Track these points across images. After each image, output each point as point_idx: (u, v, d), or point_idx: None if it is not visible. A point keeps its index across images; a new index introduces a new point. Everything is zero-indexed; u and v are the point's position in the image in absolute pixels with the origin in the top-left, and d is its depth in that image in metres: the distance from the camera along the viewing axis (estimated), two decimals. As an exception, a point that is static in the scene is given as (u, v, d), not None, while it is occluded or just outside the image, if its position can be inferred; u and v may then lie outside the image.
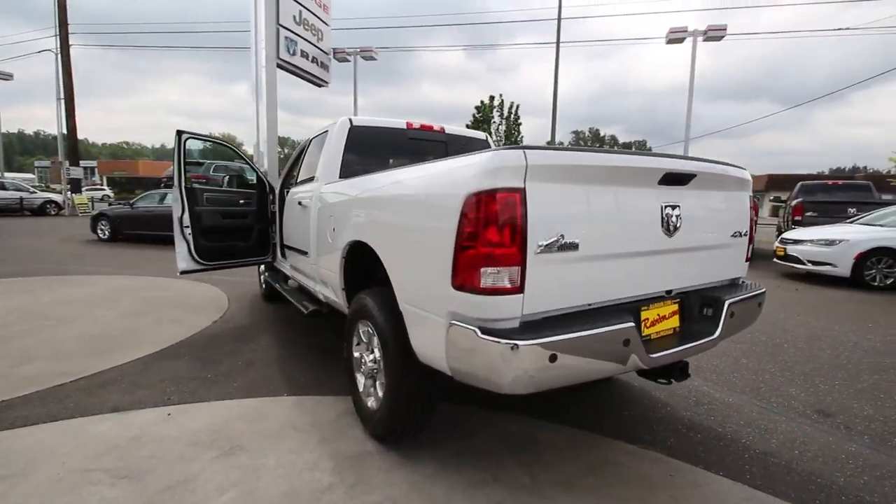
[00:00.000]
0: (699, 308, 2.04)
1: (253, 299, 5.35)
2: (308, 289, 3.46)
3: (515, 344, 1.36)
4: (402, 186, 1.86)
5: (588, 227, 1.59)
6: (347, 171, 3.14)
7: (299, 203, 3.32)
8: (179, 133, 3.82)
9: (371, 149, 3.32)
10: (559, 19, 15.30)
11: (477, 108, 29.15)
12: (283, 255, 4.56)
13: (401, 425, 2.06)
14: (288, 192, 4.78)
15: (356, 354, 2.43)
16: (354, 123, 3.23)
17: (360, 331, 2.35)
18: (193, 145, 4.14)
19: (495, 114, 29.25)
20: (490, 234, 1.41)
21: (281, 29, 12.97)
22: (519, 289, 1.44)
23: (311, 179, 3.44)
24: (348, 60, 16.54)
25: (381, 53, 17.57)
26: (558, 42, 15.32)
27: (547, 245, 1.47)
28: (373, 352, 2.24)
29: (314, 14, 14.47)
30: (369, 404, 2.28)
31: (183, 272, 4.00)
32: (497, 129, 29.09)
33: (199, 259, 4.04)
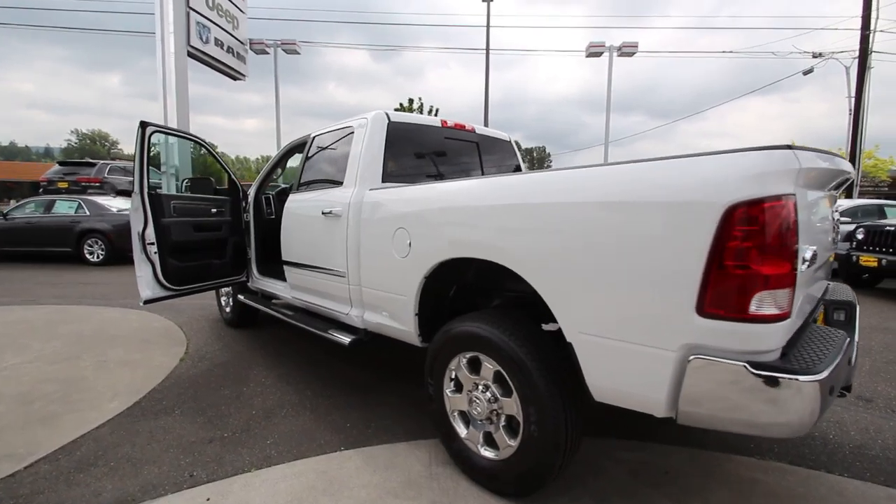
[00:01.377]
0: (832, 313, 2.00)
1: (212, 326, 4.49)
2: (328, 314, 2.91)
3: (815, 379, 1.14)
4: (587, 193, 1.49)
5: (810, 237, 1.43)
6: (387, 175, 2.70)
7: (323, 213, 2.77)
8: (143, 125, 3.01)
9: (408, 149, 2.89)
10: (488, 27, 15.58)
11: (396, 110, 28.74)
12: (262, 272, 3.88)
13: (542, 477, 1.72)
14: (275, 198, 4.12)
15: (452, 395, 2.03)
16: (392, 119, 2.78)
17: (462, 365, 1.96)
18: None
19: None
20: (763, 251, 1.17)
21: (192, 13, 11.50)
22: (787, 313, 1.22)
23: (331, 184, 2.92)
24: (267, 53, 15.12)
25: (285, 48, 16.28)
26: (487, 49, 15.59)
27: (808, 260, 1.27)
28: (488, 391, 1.87)
29: (228, -1, 13.06)
30: (484, 453, 1.90)
31: (148, 301, 3.16)
32: (417, 132, 28.95)
33: (167, 284, 3.22)
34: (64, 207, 9.05)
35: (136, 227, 3.10)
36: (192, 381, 3.13)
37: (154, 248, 3.13)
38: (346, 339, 2.64)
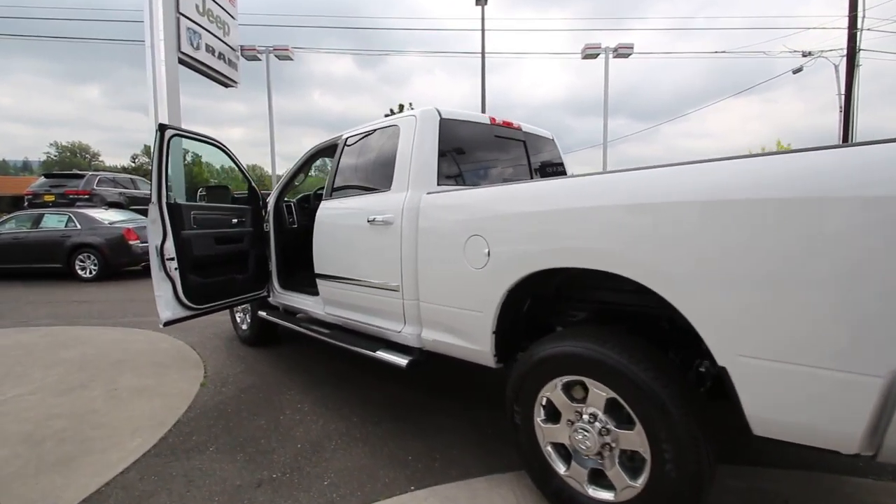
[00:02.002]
0: None
1: (228, 345, 4.16)
2: (374, 332, 2.63)
3: None
4: (759, 189, 1.22)
5: None
6: (441, 177, 2.44)
7: (368, 221, 2.50)
8: (162, 128, 2.71)
9: (459, 148, 2.64)
10: (483, 30, 15.46)
11: (386, 115, 28.59)
12: (285, 286, 3.59)
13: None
14: (297, 206, 3.84)
15: (544, 424, 1.77)
16: (443, 115, 2.53)
17: (559, 391, 1.71)
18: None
19: (406, 123, 28.93)
20: None
21: (182, 18, 11.15)
22: None
23: (373, 189, 2.65)
24: (259, 59, 14.77)
25: (277, 54, 15.90)
26: (483, 52, 15.47)
27: None
28: (596, 421, 1.62)
29: (219, 5, 12.73)
30: (594, 495, 1.64)
31: (168, 323, 2.84)
32: (409, 137, 28.77)
33: (189, 303, 2.91)
34: (53, 221, 8.59)
35: (153, 241, 2.79)
36: (220, 410, 2.82)
37: (174, 264, 2.82)
38: (401, 360, 2.37)
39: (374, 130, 2.79)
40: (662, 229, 1.40)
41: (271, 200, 3.72)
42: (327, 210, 2.95)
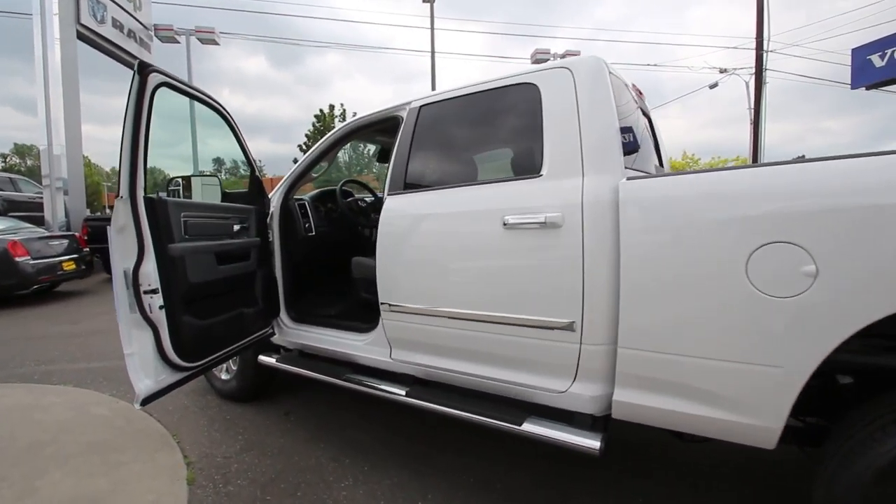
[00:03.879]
0: None
1: (199, 403, 2.94)
2: (504, 390, 1.75)
3: None
4: None
5: None
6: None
7: (506, 224, 1.62)
8: (144, 70, 1.60)
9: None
10: (432, 28, 14.82)
11: (317, 116, 26.91)
12: (298, 318, 2.56)
13: None
14: (312, 205, 2.78)
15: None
16: (610, 69, 1.74)
17: None
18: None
19: (338, 123, 27.42)
20: None
21: (81, -16, 9.03)
22: None
23: (491, 178, 1.78)
24: (177, 42, 12.63)
25: (200, 37, 13.77)
26: (433, 52, 14.83)
27: None
28: None
29: (128, -28, 10.67)
30: None
31: (148, 399, 1.70)
32: (341, 140, 27.22)
33: (180, 361, 1.79)
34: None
35: (121, 263, 1.66)
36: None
37: (157, 300, 1.70)
38: (590, 442, 1.51)
39: (485, 92, 1.91)
40: None
41: (275, 200, 2.63)
42: (402, 211, 2.00)
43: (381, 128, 2.36)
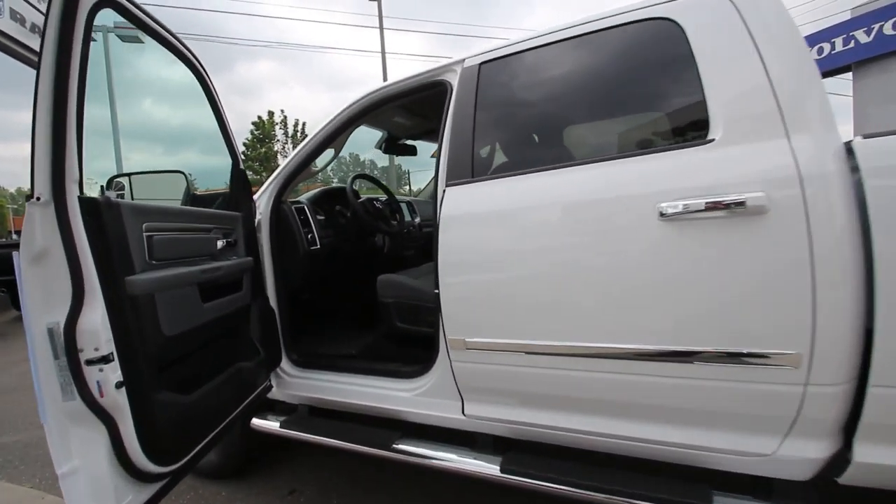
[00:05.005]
0: None
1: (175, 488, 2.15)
2: (657, 454, 1.21)
3: None
4: None
5: None
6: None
7: (664, 214, 1.09)
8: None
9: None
10: (381, 28, 14.22)
11: (255, 123, 25.39)
12: (304, 362, 1.92)
13: None
14: (312, 209, 2.12)
15: None
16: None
17: None
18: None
19: (278, 131, 26.03)
20: None
21: (-34, -35, 7.53)
22: None
23: (634, 148, 1.25)
24: (92, 39, 11.01)
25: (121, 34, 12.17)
26: (383, 51, 14.21)
27: None
28: None
29: (26, -45, 9.14)
30: None
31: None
32: (283, 148, 25.87)
33: (156, 467, 1.09)
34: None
35: (40, 312, 0.94)
36: None
37: (114, 373, 1.00)
38: None
39: (569, 39, 1.36)
40: None
41: (263, 203, 1.94)
42: (478, 206, 1.40)
43: (414, 99, 1.76)
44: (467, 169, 1.46)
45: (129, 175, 1.68)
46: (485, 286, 1.36)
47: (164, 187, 1.83)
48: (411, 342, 1.81)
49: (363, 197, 2.30)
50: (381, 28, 14.10)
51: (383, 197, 2.46)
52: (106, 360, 0.99)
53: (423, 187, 3.34)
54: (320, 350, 2.01)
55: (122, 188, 1.67)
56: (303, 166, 1.94)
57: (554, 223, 1.27)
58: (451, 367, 1.48)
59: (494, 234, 1.35)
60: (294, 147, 25.10)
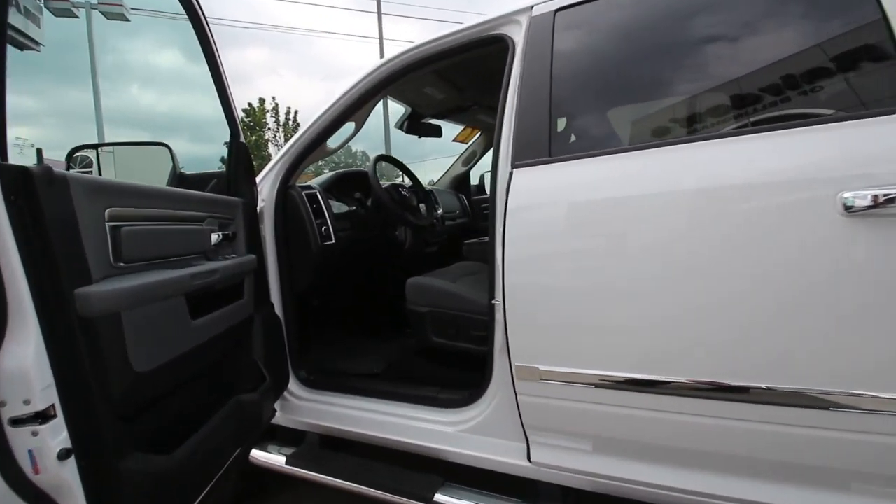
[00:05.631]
0: None
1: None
2: None
3: None
4: None
5: None
6: None
7: (846, 206, 0.76)
8: None
9: None
10: (379, 14, 13.76)
11: (245, 111, 24.71)
12: (325, 383, 1.58)
13: None
14: (323, 196, 1.77)
15: None
16: None
17: None
18: None
19: (269, 119, 25.36)
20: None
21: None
22: None
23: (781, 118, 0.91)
24: (74, 16, 10.40)
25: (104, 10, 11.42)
26: (381, 38, 13.78)
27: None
28: None
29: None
30: None
31: None
32: (274, 136, 25.24)
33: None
34: None
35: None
36: None
37: (58, 437, 0.65)
38: None
39: None
40: None
41: (266, 188, 1.57)
42: (561, 193, 1.06)
43: (456, 63, 1.42)
44: (543, 146, 1.11)
45: (96, 146, 1.31)
46: (574, 300, 1.03)
47: (143, 165, 1.46)
48: (451, 361, 1.47)
49: (385, 183, 1.94)
50: (380, 13, 13.64)
51: (408, 183, 2.11)
52: (43, 417, 0.64)
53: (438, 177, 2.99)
54: (335, 367, 1.67)
55: (90, 164, 1.30)
56: (316, 143, 1.57)
57: (682, 218, 0.93)
58: (515, 400, 1.15)
59: (594, 231, 1.02)
60: (286, 136, 24.41)
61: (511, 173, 1.13)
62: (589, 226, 1.02)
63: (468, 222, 2.76)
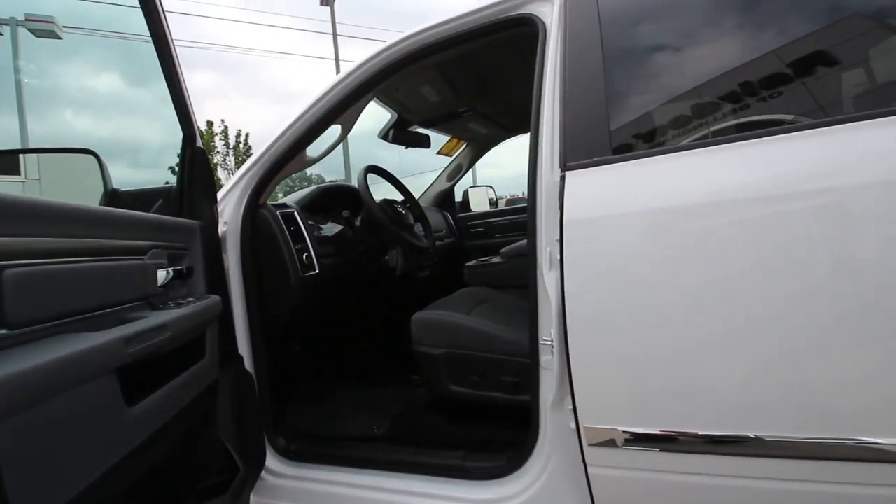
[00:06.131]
0: None
1: None
2: None
3: None
4: None
5: None
6: None
7: None
8: None
9: None
10: (334, 35, 13.59)
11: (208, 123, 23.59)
12: (323, 454, 1.24)
13: None
14: (302, 216, 1.45)
15: None
16: None
17: None
18: None
19: (218, 142, 24.33)
20: None
21: None
22: None
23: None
24: None
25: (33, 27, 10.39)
26: (337, 58, 13.58)
27: None
28: None
29: None
30: None
31: None
32: (224, 160, 24.18)
33: None
34: None
35: None
36: None
37: None
38: None
39: None
40: None
41: (230, 208, 1.24)
42: (642, 202, 0.81)
43: (475, 47, 1.17)
44: (602, 143, 0.87)
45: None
46: (671, 338, 0.77)
47: (66, 180, 1.10)
48: (476, 416, 1.18)
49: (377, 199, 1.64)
50: (335, 34, 13.46)
51: (399, 198, 1.81)
52: None
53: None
54: (322, 430, 1.33)
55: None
56: (293, 151, 1.27)
57: (812, 225, 0.71)
58: (585, 473, 0.87)
59: (691, 246, 0.77)
60: (237, 159, 23.47)
61: (563, 177, 0.88)
62: (686, 235, 0.78)
63: (455, 242, 2.50)
